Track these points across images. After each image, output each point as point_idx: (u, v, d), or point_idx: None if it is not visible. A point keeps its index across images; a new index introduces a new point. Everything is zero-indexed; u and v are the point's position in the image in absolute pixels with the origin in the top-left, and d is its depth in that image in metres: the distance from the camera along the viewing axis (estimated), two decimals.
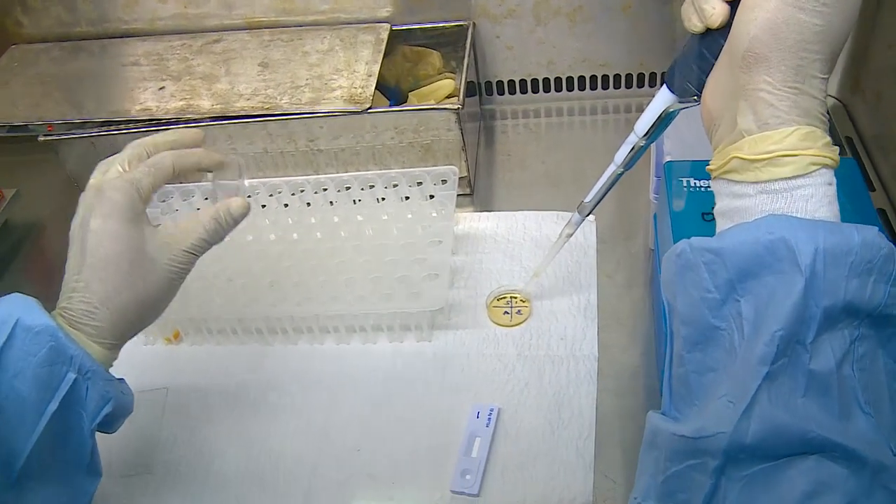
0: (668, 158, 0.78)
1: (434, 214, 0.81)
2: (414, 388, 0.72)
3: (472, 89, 0.99)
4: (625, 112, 1.01)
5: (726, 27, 0.44)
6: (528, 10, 0.94)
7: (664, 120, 0.55)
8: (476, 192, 0.92)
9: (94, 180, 0.60)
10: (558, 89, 1.01)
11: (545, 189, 0.91)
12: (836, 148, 0.44)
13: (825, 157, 0.42)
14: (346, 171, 0.88)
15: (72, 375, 0.53)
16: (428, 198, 0.82)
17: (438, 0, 0.94)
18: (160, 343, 0.80)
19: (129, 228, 0.57)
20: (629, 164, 0.61)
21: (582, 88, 1.01)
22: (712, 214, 0.61)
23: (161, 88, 0.89)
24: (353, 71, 0.87)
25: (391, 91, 0.95)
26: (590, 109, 1.01)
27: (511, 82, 1.01)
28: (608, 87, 1.01)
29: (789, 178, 0.42)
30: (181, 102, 0.86)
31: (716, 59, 0.46)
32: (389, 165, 0.88)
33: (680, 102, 0.53)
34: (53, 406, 0.52)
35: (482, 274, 0.81)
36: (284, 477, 0.67)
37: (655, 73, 0.99)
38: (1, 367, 0.51)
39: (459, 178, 0.88)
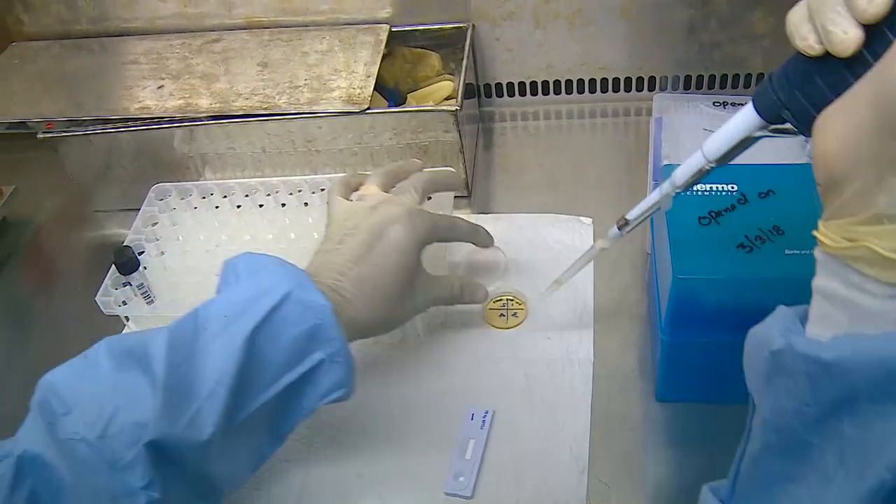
0: (665, 162, 0.78)
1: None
2: (408, 389, 0.72)
3: (470, 91, 0.99)
4: (623, 116, 1.01)
5: (857, 57, 0.36)
6: (528, 12, 0.94)
7: (745, 145, 0.47)
8: (474, 193, 0.92)
9: (381, 190, 0.70)
10: (557, 92, 1.02)
11: (543, 192, 0.91)
12: None
13: None
14: (345, 172, 0.88)
15: (320, 356, 0.55)
16: (426, 199, 0.82)
17: (438, 2, 0.94)
18: None
19: (414, 257, 0.64)
20: (689, 187, 0.54)
21: (581, 91, 1.01)
22: (709, 218, 0.62)
23: (160, 87, 0.89)
24: (352, 72, 0.87)
25: (390, 92, 0.96)
26: (589, 113, 1.02)
27: (510, 84, 1.01)
28: (607, 91, 1.01)
29: None
30: (180, 101, 0.87)
31: (836, 94, 0.37)
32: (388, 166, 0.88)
33: (769, 130, 0.45)
34: (292, 377, 0.55)
35: (478, 275, 0.81)
36: (276, 478, 0.67)
37: (655, 78, 0.99)
38: (260, 327, 0.53)
39: None
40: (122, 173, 0.92)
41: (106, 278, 0.77)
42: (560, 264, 0.80)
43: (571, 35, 0.96)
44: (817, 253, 0.39)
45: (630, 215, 0.60)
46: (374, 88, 0.88)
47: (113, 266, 0.76)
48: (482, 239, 0.74)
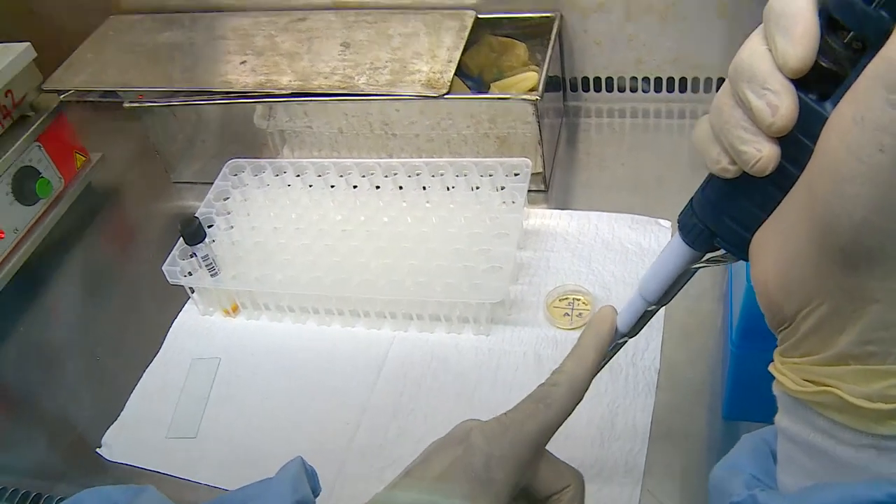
0: None
1: (503, 206, 0.78)
2: (465, 381, 0.70)
3: (556, 84, 0.96)
4: None
5: (779, 170, 0.31)
6: (619, 4, 0.90)
7: (685, 280, 0.42)
8: (551, 188, 0.89)
9: None
10: (646, 90, 0.97)
11: (624, 191, 0.88)
12: None
13: None
14: (420, 157, 0.86)
15: None
16: (498, 189, 0.79)
17: None
18: (218, 315, 0.80)
19: None
20: (638, 331, 0.49)
21: (671, 90, 0.97)
22: None
23: (243, 62, 0.89)
24: (434, 56, 0.86)
25: (474, 81, 0.93)
26: (678, 113, 0.97)
27: (597, 79, 0.98)
28: (698, 91, 0.96)
29: None
30: (261, 77, 0.87)
31: (766, 213, 0.33)
32: (463, 155, 0.86)
33: (704, 262, 0.40)
34: None
35: (548, 272, 0.78)
36: (318, 456, 0.66)
37: None
38: None
39: (535, 173, 0.85)
40: (203, 147, 0.93)
41: (174, 248, 0.78)
42: (633, 268, 0.77)
43: (663, 30, 0.91)
44: (776, 389, 0.34)
45: None
46: (458, 76, 0.86)
47: (181, 237, 0.77)
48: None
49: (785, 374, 0.33)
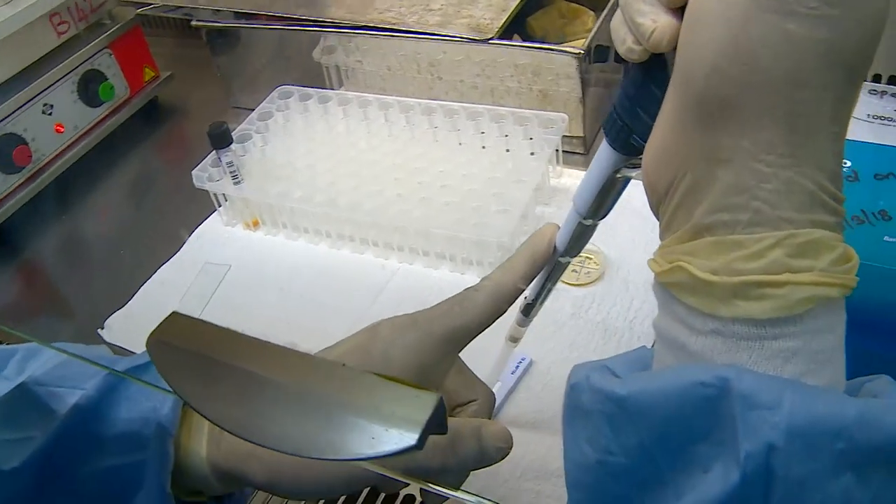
0: None
1: (531, 156, 0.77)
2: None
3: (618, 57, 0.93)
4: None
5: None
6: None
7: (615, 189, 0.39)
8: (592, 153, 0.87)
9: None
10: None
11: None
12: (855, 260, 0.28)
13: (832, 284, 0.27)
14: (463, 103, 0.85)
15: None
16: (529, 139, 0.78)
17: None
18: (240, 227, 0.82)
19: None
20: (577, 250, 0.45)
21: None
22: None
23: None
24: (491, 4, 0.85)
25: (535, 42, 0.92)
26: None
27: None
28: None
29: (764, 322, 0.27)
30: (319, 7, 0.88)
31: None
32: (505, 106, 0.85)
33: (628, 165, 0.37)
34: None
35: None
36: None
37: None
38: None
39: (576, 136, 0.84)
40: (263, 75, 0.96)
41: (207, 157, 0.80)
42: (653, 233, 0.74)
43: None
44: (653, 286, 0.32)
45: (529, 295, 0.49)
46: (520, 37, 0.85)
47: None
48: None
49: (656, 259, 0.31)
